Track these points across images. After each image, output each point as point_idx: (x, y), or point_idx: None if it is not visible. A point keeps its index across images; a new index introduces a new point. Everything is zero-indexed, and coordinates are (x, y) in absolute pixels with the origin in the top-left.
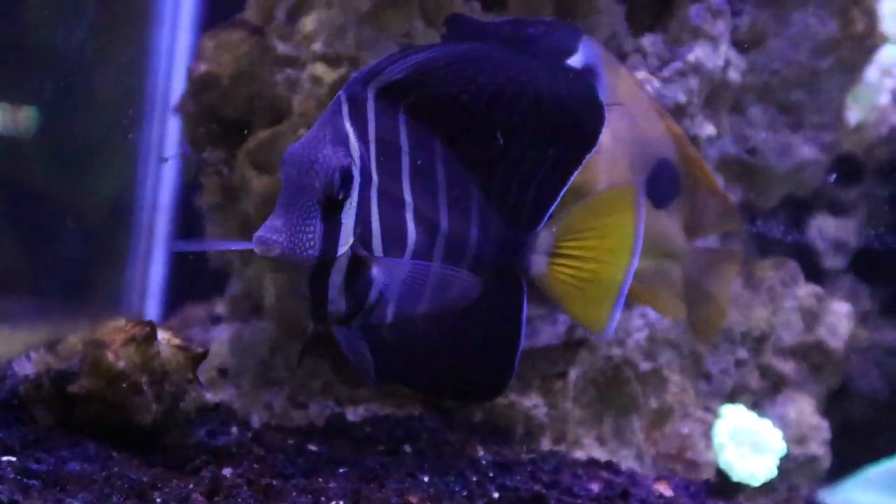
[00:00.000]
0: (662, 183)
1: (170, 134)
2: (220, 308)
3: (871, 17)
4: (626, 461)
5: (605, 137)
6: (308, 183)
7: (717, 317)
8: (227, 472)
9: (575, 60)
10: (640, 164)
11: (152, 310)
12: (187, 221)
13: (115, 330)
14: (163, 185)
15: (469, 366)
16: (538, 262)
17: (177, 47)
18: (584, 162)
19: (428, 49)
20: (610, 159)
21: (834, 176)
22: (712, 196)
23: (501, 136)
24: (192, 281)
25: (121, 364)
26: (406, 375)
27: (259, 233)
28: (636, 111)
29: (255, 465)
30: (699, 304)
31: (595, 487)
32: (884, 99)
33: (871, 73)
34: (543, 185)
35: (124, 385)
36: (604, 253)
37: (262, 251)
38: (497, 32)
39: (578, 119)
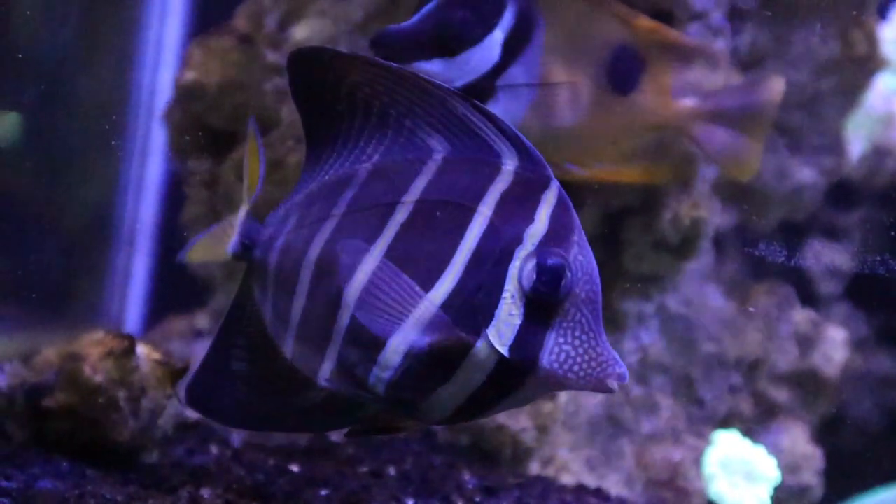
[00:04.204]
0: (622, 69)
1: (154, 143)
2: (202, 321)
3: (873, 39)
4: (616, 487)
5: (559, 71)
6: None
7: (753, 155)
8: (205, 492)
9: (506, 18)
10: (598, 64)
11: (133, 321)
12: (170, 232)
13: (93, 343)
14: (145, 194)
15: None
16: None
17: (163, 55)
18: None
19: None
20: (573, 90)
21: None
22: (686, 52)
23: None
24: (174, 293)
25: (98, 378)
26: None
27: (621, 369)
28: (579, 25)
29: (235, 486)
30: (728, 151)
31: None
32: (887, 129)
33: (872, 101)
34: None
35: (101, 400)
36: None
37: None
38: (426, 29)
39: None
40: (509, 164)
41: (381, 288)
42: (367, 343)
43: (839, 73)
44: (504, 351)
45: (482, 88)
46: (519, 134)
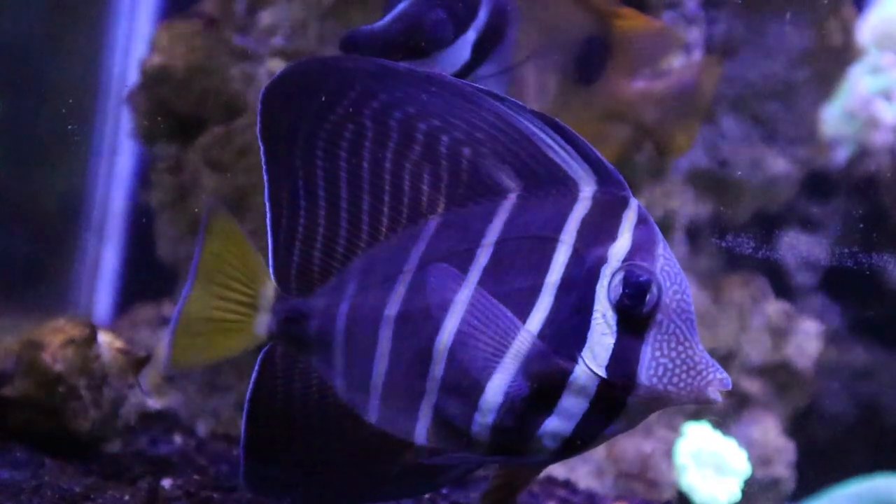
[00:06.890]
0: (589, 60)
1: (125, 129)
2: (169, 310)
3: (849, 29)
4: (585, 479)
5: (529, 66)
6: None
7: (688, 133)
8: (166, 483)
9: (480, 17)
10: (567, 57)
11: (102, 309)
12: (139, 219)
13: (54, 330)
14: (116, 181)
15: None
16: None
17: (134, 38)
18: None
19: None
20: (540, 84)
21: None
22: (643, 33)
23: None
24: (143, 280)
25: (58, 367)
26: None
27: (721, 375)
28: (553, 18)
29: (197, 477)
30: (669, 127)
31: None
32: (869, 131)
33: (855, 104)
34: None
35: (61, 389)
36: None
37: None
38: (398, 30)
39: None
40: (587, 190)
41: (476, 328)
42: (466, 389)
43: (814, 63)
44: (601, 371)
45: None
46: (597, 153)
